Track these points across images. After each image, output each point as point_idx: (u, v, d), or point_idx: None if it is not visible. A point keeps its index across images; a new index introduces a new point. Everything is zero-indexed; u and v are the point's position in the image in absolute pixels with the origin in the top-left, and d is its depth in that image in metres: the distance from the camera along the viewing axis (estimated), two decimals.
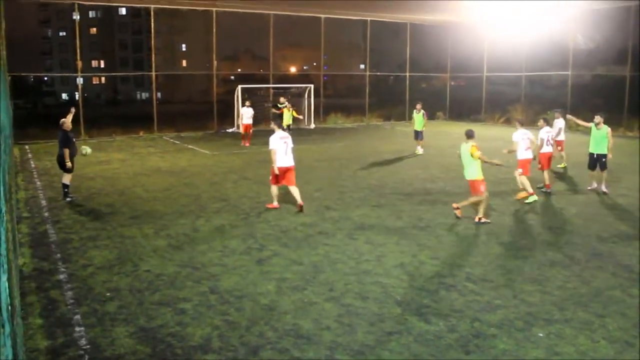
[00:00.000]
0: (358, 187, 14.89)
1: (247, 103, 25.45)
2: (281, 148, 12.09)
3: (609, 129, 14.39)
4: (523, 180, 13.40)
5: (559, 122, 17.89)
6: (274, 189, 12.42)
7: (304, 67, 69.24)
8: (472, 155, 11.28)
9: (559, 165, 17.75)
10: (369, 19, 34.53)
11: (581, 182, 15.54)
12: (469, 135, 11.49)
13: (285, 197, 13.60)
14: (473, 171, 11.38)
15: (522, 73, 33.91)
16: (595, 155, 14.44)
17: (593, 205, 13.00)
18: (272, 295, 7.56)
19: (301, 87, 33.07)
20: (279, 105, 26.69)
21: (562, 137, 17.77)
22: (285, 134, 12.48)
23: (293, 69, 57.98)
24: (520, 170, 13.52)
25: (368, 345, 6.16)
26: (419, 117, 22.03)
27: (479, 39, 35.33)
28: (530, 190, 13.24)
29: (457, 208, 11.56)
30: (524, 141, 13.58)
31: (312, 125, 31.72)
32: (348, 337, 6.36)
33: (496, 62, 35.44)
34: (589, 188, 14.57)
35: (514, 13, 31.12)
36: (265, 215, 11.88)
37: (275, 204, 12.47)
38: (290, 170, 12.30)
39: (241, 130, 25.29)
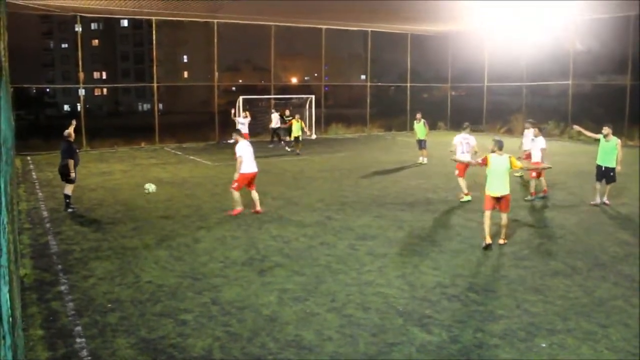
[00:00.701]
0: (359, 198, 14.89)
1: (244, 114, 26.74)
2: (248, 155, 12.80)
3: (619, 140, 13.88)
4: (460, 181, 14.36)
5: (529, 133, 16.00)
6: (236, 195, 12.89)
7: (305, 78, 69.40)
8: (513, 167, 10.33)
9: (516, 174, 16.45)
10: (369, 29, 34.66)
11: (581, 191, 15.52)
12: (501, 146, 10.39)
13: (285, 207, 13.62)
14: (507, 185, 10.41)
15: (523, 83, 33.97)
16: (603, 168, 13.83)
17: (594, 214, 12.98)
18: (274, 306, 7.55)
19: (302, 98, 33.15)
20: (286, 119, 27.17)
21: (536, 156, 14.93)
22: (248, 142, 13.40)
23: (294, 80, 58.15)
24: (457, 171, 14.44)
25: (370, 356, 6.14)
26: (419, 126, 22.19)
27: (480, 49, 35.42)
28: (465, 191, 14.28)
29: (505, 240, 10.60)
30: (462, 145, 14.69)
31: (314, 136, 31.77)
32: (350, 347, 6.34)
33: (497, 72, 35.51)
34: (592, 203, 13.89)
35: (514, 23, 31.24)
36: (267, 227, 11.88)
37: (240, 208, 12.96)
38: (255, 176, 13.12)
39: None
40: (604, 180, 13.87)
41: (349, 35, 40.85)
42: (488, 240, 10.17)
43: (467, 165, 13.71)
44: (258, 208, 13.06)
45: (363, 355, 6.15)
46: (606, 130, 13.79)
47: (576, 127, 15.61)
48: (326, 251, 10.09)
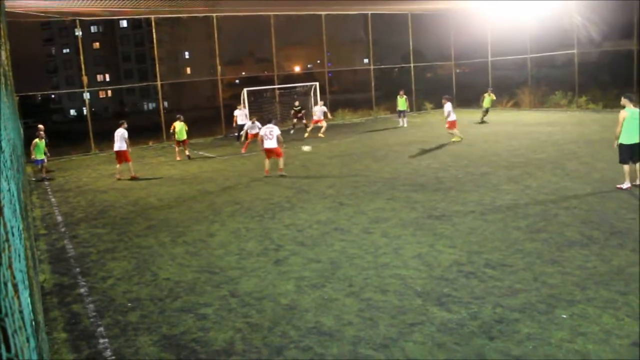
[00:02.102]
0: (370, 181, 14.87)
1: (240, 106, 27.49)
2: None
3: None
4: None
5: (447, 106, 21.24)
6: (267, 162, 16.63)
7: (308, 66, 69.22)
8: None
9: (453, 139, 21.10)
10: (369, 12, 34.45)
11: (593, 160, 15.42)
12: (632, 99, 11.97)
13: (297, 195, 13.64)
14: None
15: (528, 55, 33.69)
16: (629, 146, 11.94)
17: (608, 182, 12.89)
18: (292, 294, 7.58)
19: (307, 86, 33.05)
20: (295, 109, 28.04)
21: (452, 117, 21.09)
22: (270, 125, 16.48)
23: (297, 68, 58.02)
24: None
25: (391, 338, 6.16)
26: (401, 100, 28.53)
27: (482, 24, 35.14)
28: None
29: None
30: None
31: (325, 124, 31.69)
32: (370, 331, 6.36)
33: (500, 46, 35.23)
34: (622, 187, 12.05)
35: None
36: (279, 216, 11.90)
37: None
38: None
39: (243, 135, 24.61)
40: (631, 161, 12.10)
41: (349, 20, 40.78)
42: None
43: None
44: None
45: (384, 338, 6.17)
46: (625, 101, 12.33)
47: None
48: (340, 236, 10.10)
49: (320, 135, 26.01)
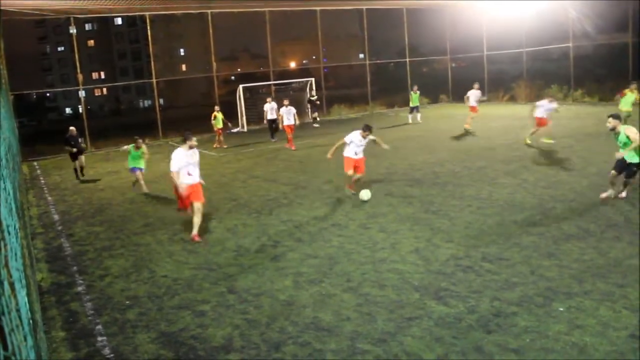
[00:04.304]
0: (368, 177, 14.86)
1: (269, 99, 25.35)
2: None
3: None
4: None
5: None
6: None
7: (304, 61, 69.14)
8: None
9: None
10: (364, 7, 34.38)
11: (589, 154, 15.44)
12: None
13: (294, 192, 13.63)
14: None
15: (523, 49, 33.71)
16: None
17: (604, 176, 12.90)
18: (290, 290, 7.58)
19: (302, 82, 33.01)
20: (312, 99, 27.91)
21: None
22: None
23: (293, 64, 57.97)
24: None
25: (389, 333, 6.17)
26: (415, 96, 27.11)
27: (477, 18, 35.14)
28: None
29: None
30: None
31: (313, 118, 31.67)
32: (368, 325, 6.37)
33: (496, 40, 35.25)
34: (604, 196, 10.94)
35: None
36: (277, 212, 11.90)
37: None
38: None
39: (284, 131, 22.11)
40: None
41: (344, 15, 40.51)
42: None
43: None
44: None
45: (382, 332, 6.18)
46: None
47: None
48: (338, 232, 10.11)
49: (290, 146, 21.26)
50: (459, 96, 36.42)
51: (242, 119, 29.93)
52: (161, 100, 36.72)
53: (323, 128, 27.62)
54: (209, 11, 29.70)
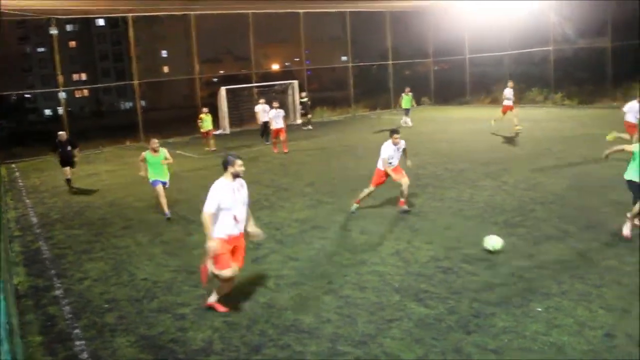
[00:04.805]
0: (349, 179, 14.89)
1: (262, 100, 24.16)
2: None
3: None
4: None
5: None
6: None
7: (286, 64, 69.05)
8: None
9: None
10: (347, 10, 34.46)
11: (568, 156, 15.60)
12: None
13: (276, 194, 13.60)
14: None
15: (505, 52, 34.04)
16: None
17: (584, 177, 13.05)
18: (271, 292, 7.56)
19: (285, 84, 32.98)
20: (302, 101, 28.56)
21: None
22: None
23: (275, 67, 57.88)
24: None
25: (369, 335, 6.18)
26: (407, 98, 26.78)
27: (459, 22, 35.36)
28: None
29: None
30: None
31: (299, 121, 31.65)
32: (349, 328, 6.37)
33: (478, 43, 35.49)
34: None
35: None
36: (258, 215, 11.83)
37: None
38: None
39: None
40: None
41: (327, 18, 40.55)
42: None
43: None
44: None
45: (362, 335, 6.19)
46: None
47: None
48: (319, 234, 10.11)
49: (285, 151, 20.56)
50: (442, 99, 36.75)
51: (225, 121, 29.83)
52: (143, 102, 36.42)
53: (306, 131, 27.62)
54: (192, 13, 29.57)
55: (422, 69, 40.61)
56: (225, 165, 6.84)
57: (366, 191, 11.35)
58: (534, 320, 6.19)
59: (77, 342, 6.56)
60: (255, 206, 12.55)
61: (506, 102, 22.16)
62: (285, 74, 43.52)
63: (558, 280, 7.22)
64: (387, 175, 11.06)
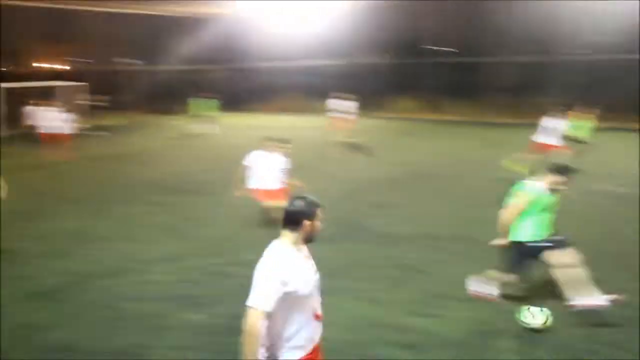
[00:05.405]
0: (125, 186, 14.41)
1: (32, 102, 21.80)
2: None
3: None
4: None
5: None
6: None
7: (62, 65, 64.66)
8: None
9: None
10: (125, 11, 33.31)
11: (350, 161, 16.54)
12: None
13: (42, 201, 12.72)
14: None
15: (292, 62, 35.64)
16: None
17: (349, 182, 13.97)
18: (29, 313, 7.10)
19: (67, 85, 30.62)
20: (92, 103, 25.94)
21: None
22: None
23: (48, 66, 53.83)
24: None
25: (142, 345, 6.12)
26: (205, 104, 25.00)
27: (249, 29, 36.11)
28: None
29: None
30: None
31: (87, 125, 29.48)
32: (122, 341, 6.25)
33: (268, 51, 36.58)
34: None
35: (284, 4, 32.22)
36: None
37: None
38: None
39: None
40: None
41: (108, 18, 38.65)
42: None
43: None
44: None
45: (136, 346, 6.12)
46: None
47: None
48: (95, 245, 9.56)
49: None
50: (230, 105, 36.95)
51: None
52: None
53: (95, 136, 25.47)
54: None
55: (213, 75, 40.37)
56: (298, 217, 3.85)
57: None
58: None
59: None
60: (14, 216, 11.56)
61: (338, 115, 21.67)
62: (65, 75, 40.62)
63: (329, 276, 7.77)
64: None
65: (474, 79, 29.65)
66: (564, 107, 15.07)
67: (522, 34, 26.71)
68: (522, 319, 6.31)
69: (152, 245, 9.61)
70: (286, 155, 9.74)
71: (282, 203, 5.68)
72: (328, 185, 13.56)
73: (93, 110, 28.03)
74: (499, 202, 6.88)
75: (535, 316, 6.27)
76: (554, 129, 14.42)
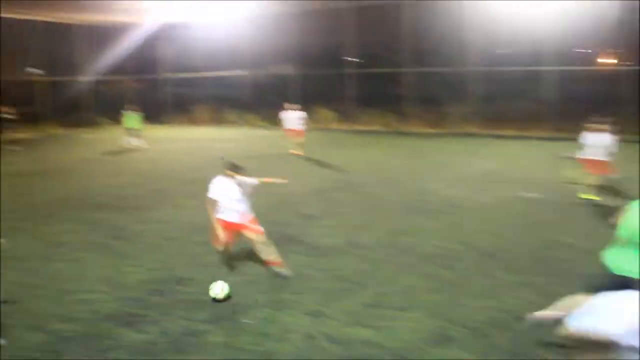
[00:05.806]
0: (46, 202, 13.85)
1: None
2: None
3: None
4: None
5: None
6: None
7: None
8: None
9: None
10: (38, 19, 31.97)
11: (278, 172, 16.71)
12: None
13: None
14: None
15: (202, 73, 35.28)
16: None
17: (283, 196, 14.10)
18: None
19: None
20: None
21: None
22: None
23: None
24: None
25: None
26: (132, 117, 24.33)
27: (158, 40, 35.62)
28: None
29: None
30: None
31: None
32: None
33: (177, 63, 36.18)
34: None
35: (193, 14, 32.03)
36: None
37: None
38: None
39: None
40: None
41: (17, 26, 36.75)
42: None
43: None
44: None
45: None
46: None
47: None
48: (16, 265, 9.14)
49: None
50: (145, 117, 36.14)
51: None
52: None
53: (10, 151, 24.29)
54: None
55: (121, 86, 39.34)
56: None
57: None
58: (245, 333, 6.59)
59: None
60: None
61: (290, 127, 21.37)
62: None
63: (264, 292, 7.79)
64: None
65: (390, 90, 30.57)
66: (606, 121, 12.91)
67: (436, 45, 27.74)
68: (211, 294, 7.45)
69: (77, 263, 9.25)
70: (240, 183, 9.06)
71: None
72: (256, 198, 13.47)
73: (2, 123, 26.56)
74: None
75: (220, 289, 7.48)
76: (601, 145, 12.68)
